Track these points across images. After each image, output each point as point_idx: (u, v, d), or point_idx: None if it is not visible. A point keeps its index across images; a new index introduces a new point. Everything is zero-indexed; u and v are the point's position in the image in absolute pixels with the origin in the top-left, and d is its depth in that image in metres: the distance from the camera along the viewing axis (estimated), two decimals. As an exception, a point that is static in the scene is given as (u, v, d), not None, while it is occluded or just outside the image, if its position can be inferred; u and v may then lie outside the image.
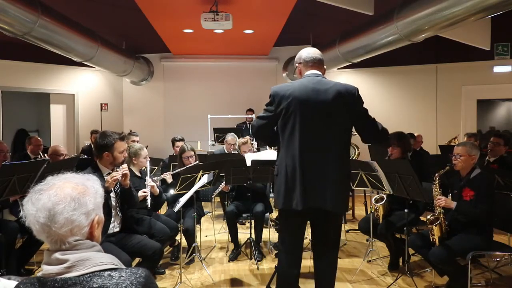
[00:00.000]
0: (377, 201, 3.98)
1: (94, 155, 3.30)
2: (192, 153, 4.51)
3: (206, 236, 5.30)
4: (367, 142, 2.95)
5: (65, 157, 4.84)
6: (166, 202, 4.43)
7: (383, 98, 8.70)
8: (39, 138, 5.51)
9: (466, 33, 6.96)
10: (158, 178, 4.32)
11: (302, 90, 2.57)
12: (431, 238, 3.32)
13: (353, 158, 5.89)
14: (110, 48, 7.08)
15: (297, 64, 2.77)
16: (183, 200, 3.61)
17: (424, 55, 8.18)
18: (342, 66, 7.81)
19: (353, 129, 2.74)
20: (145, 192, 3.67)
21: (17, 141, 8.97)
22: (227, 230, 4.65)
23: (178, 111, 9.41)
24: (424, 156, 6.03)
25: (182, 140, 5.65)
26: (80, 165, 4.12)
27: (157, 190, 3.95)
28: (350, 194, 6.16)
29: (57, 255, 1.15)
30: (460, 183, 3.41)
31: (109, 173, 3.12)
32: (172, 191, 4.02)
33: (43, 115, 9.30)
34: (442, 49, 8.04)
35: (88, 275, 1.13)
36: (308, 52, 2.74)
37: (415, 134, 6.41)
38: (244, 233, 4.92)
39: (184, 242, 4.22)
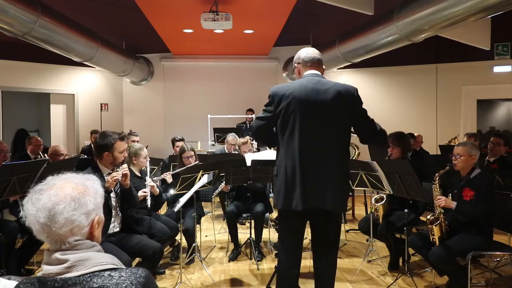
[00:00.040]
0: (377, 201, 3.98)
1: (94, 155, 3.30)
2: (192, 153, 4.51)
3: (206, 236, 5.30)
4: (365, 143, 2.96)
5: (65, 157, 4.84)
6: (166, 202, 4.43)
7: (383, 98, 8.71)
8: (39, 138, 5.51)
9: (466, 33, 6.96)
10: (158, 178, 4.32)
11: (301, 90, 2.57)
12: (431, 238, 3.32)
13: (353, 158, 5.89)
14: (110, 48, 7.08)
15: (296, 64, 2.77)
16: (183, 200, 3.61)
17: (424, 55, 8.18)
18: (342, 66, 7.81)
19: (352, 129, 2.74)
20: (145, 192, 3.67)
21: (17, 141, 8.97)
22: (227, 230, 4.65)
23: (178, 111, 9.41)
24: (424, 156, 6.03)
25: (182, 140, 5.65)
26: (80, 165, 4.13)
27: (157, 190, 3.95)
28: (350, 194, 6.16)
29: (57, 255, 1.15)
30: (460, 183, 3.41)
31: (109, 173, 3.12)
32: (172, 191, 4.02)
33: (43, 115, 9.30)
34: (442, 49, 8.04)
35: (88, 275, 1.13)
36: (307, 52, 2.73)
37: (415, 134, 6.41)
38: (244, 233, 4.92)
39: (184, 242, 4.22)
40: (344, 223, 5.58)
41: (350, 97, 2.61)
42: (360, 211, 6.58)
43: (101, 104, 8.98)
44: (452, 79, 8.19)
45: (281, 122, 2.60)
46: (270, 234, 4.99)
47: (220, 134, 7.50)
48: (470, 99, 8.13)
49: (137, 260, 3.49)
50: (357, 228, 4.60)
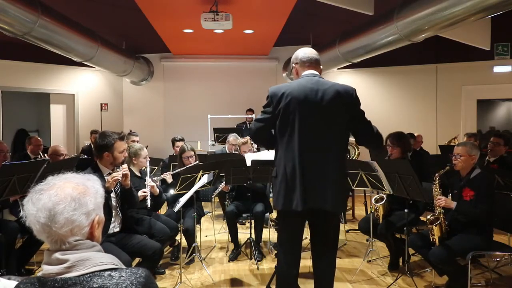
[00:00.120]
0: (377, 201, 3.98)
1: (94, 155, 3.30)
2: (192, 153, 4.51)
3: (206, 236, 5.30)
4: (361, 144, 2.95)
5: (65, 157, 4.84)
6: (166, 202, 4.43)
7: (383, 98, 8.71)
8: (39, 138, 5.51)
9: (466, 33, 6.96)
10: (158, 178, 4.32)
11: (300, 90, 2.56)
12: (431, 238, 3.32)
13: (353, 158, 5.89)
14: (110, 48, 7.08)
15: (293, 65, 2.76)
16: (183, 200, 3.61)
17: (424, 55, 8.18)
18: (342, 66, 7.81)
19: None
20: (145, 192, 3.67)
21: (17, 141, 8.98)
22: (227, 230, 4.66)
23: (178, 111, 9.41)
24: (424, 156, 6.03)
25: (182, 140, 5.65)
26: (80, 165, 4.13)
27: (157, 190, 3.95)
28: (350, 194, 6.17)
29: (57, 255, 1.15)
30: (460, 183, 3.41)
31: (110, 173, 3.12)
32: (172, 191, 4.02)
33: (43, 115, 9.30)
34: (442, 49, 8.04)
35: (88, 275, 1.13)
36: (305, 52, 2.73)
37: (415, 134, 6.42)
38: (244, 233, 4.92)
39: (184, 242, 4.22)
40: (344, 223, 5.59)
41: (349, 97, 2.61)
42: (360, 211, 6.58)
43: (101, 104, 8.98)
44: (452, 79, 8.20)
45: (280, 122, 2.59)
46: (270, 234, 4.99)
47: (220, 134, 7.50)
48: (470, 99, 8.13)
49: (137, 260, 3.49)
50: (357, 228, 4.60)
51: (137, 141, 5.20)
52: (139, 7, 5.74)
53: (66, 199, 1.16)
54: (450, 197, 3.46)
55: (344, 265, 4.25)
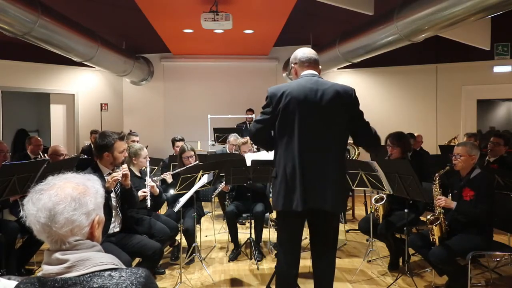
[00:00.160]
0: (377, 201, 3.98)
1: (94, 155, 3.30)
2: (192, 153, 4.51)
3: (206, 236, 5.30)
4: (359, 145, 2.95)
5: (65, 157, 4.84)
6: (166, 202, 4.43)
7: (383, 98, 8.71)
8: (39, 138, 5.51)
9: (466, 33, 6.96)
10: (158, 178, 4.32)
11: (300, 90, 2.56)
12: (431, 238, 3.32)
13: (353, 158, 5.89)
14: (110, 48, 7.08)
15: (292, 65, 2.76)
16: (183, 200, 3.61)
17: (424, 55, 8.18)
18: (342, 66, 7.81)
19: None
20: (144, 192, 3.67)
21: (17, 141, 8.98)
22: (227, 230, 4.66)
23: (178, 111, 9.41)
24: (424, 156, 6.03)
25: (182, 140, 5.65)
26: (80, 165, 4.13)
27: (157, 190, 3.95)
28: (350, 194, 6.17)
29: (57, 255, 1.15)
30: (460, 183, 3.41)
31: (110, 173, 3.12)
32: (172, 191, 4.02)
33: (43, 115, 9.30)
34: (442, 49, 8.04)
35: (88, 275, 1.13)
36: (304, 52, 2.73)
37: (415, 134, 6.41)
38: (244, 233, 4.92)
39: (184, 242, 4.22)
40: (344, 223, 5.59)
41: (348, 97, 2.61)
42: (360, 211, 6.58)
43: (101, 104, 8.98)
44: (452, 79, 8.20)
45: (279, 122, 2.59)
46: (270, 234, 4.99)
47: (220, 134, 7.50)
48: (470, 99, 8.13)
49: (137, 260, 3.49)
50: (357, 228, 4.60)
51: (137, 141, 5.20)
52: (139, 7, 5.74)
53: (66, 199, 1.16)
54: (450, 197, 3.46)
55: (344, 265, 4.25)
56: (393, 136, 4.13)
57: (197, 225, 4.34)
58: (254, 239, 4.41)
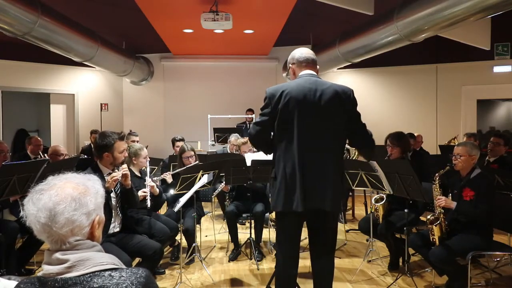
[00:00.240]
0: (377, 201, 3.98)
1: (94, 156, 3.29)
2: (192, 153, 4.51)
3: (206, 236, 5.30)
4: (354, 146, 2.95)
5: (65, 157, 4.84)
6: (166, 202, 4.43)
7: (383, 98, 8.71)
8: (39, 138, 5.51)
9: (466, 33, 6.96)
10: (158, 178, 4.32)
11: (299, 90, 2.56)
12: (431, 238, 3.32)
13: (353, 158, 5.89)
14: (110, 48, 7.08)
15: (290, 65, 2.76)
16: (183, 200, 3.61)
17: (424, 55, 8.19)
18: (342, 66, 7.81)
19: None
20: (145, 192, 3.67)
21: (17, 141, 8.98)
22: (227, 230, 4.66)
23: (178, 111, 9.41)
24: (424, 156, 6.03)
25: (182, 140, 5.65)
26: (80, 165, 4.13)
27: (157, 190, 3.94)
28: (350, 194, 6.17)
29: (58, 255, 1.15)
30: (460, 183, 3.41)
31: (110, 174, 3.12)
32: (172, 191, 4.02)
33: (43, 115, 9.31)
34: (442, 49, 8.04)
35: (88, 275, 1.13)
36: (301, 52, 2.72)
37: (415, 134, 6.41)
38: (244, 233, 4.92)
39: (184, 242, 4.22)
40: (344, 223, 5.58)
41: (347, 97, 2.61)
42: (360, 211, 6.57)
43: (101, 104, 8.98)
44: (452, 79, 8.20)
45: (278, 122, 2.58)
46: (270, 234, 4.99)
47: (220, 134, 7.50)
48: (470, 99, 8.14)
49: (137, 260, 3.49)
50: (357, 228, 4.60)
51: (137, 141, 5.20)
52: (139, 7, 5.74)
53: (66, 199, 1.16)
54: (450, 197, 3.46)
55: (344, 265, 4.25)
56: (393, 136, 4.13)
57: (197, 225, 4.34)
58: (254, 239, 4.41)
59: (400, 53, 6.79)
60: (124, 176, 3.13)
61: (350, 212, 6.44)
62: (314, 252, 2.78)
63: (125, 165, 3.18)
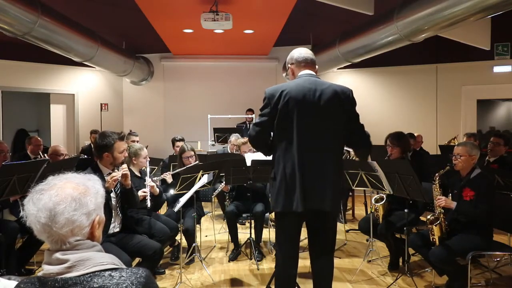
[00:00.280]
0: (377, 201, 3.98)
1: (94, 156, 3.29)
2: (192, 153, 4.51)
3: (206, 236, 5.30)
4: (352, 146, 2.95)
5: (65, 157, 4.84)
6: (166, 202, 4.43)
7: (383, 98, 8.71)
8: (39, 138, 5.51)
9: (466, 33, 6.96)
10: (158, 178, 4.32)
11: (299, 90, 2.56)
12: (431, 238, 3.32)
13: (353, 158, 5.89)
14: (110, 48, 7.08)
15: (289, 65, 2.76)
16: (183, 200, 3.61)
17: (424, 55, 8.19)
18: (342, 66, 7.81)
19: None
20: (145, 192, 3.66)
21: (17, 141, 8.98)
22: (227, 230, 4.66)
23: (178, 111, 9.41)
24: (424, 156, 6.03)
25: (182, 140, 5.65)
26: (80, 165, 4.13)
27: (157, 190, 3.94)
28: (350, 194, 6.17)
29: (58, 255, 1.15)
30: (460, 183, 3.41)
31: (110, 174, 3.12)
32: (172, 191, 4.02)
33: (43, 115, 9.31)
34: (442, 49, 8.04)
35: (88, 275, 1.13)
36: (300, 52, 2.72)
37: (415, 134, 6.41)
38: (244, 233, 4.92)
39: (184, 242, 4.22)
40: (344, 223, 5.59)
41: (346, 98, 2.61)
42: (360, 211, 6.58)
43: (101, 104, 8.98)
44: (452, 79, 8.20)
45: (278, 122, 2.58)
46: (270, 234, 4.99)
47: (220, 134, 7.51)
48: (470, 99, 8.14)
49: (137, 260, 3.49)
50: (357, 228, 4.60)
51: (137, 141, 5.20)
52: (139, 7, 5.74)
53: (66, 199, 1.16)
54: (450, 197, 3.46)
55: (344, 265, 4.26)
56: (392, 136, 4.13)
57: (197, 225, 4.34)
58: (254, 239, 4.41)
59: (400, 53, 6.79)
60: (124, 176, 3.13)
61: (350, 212, 6.45)
62: (313, 252, 2.78)
63: (125, 165, 3.18)
